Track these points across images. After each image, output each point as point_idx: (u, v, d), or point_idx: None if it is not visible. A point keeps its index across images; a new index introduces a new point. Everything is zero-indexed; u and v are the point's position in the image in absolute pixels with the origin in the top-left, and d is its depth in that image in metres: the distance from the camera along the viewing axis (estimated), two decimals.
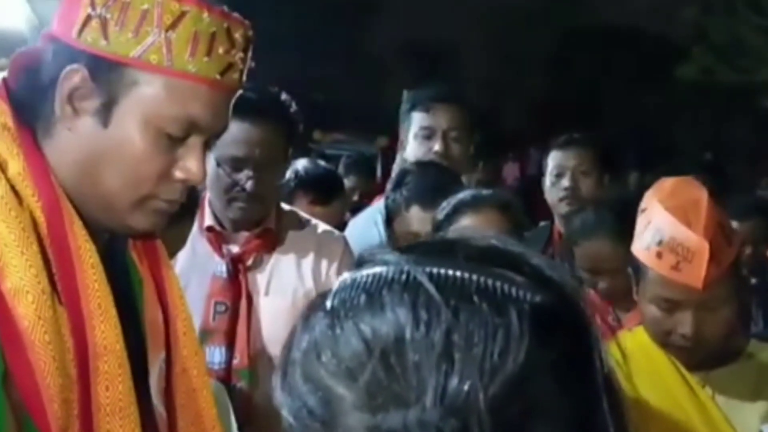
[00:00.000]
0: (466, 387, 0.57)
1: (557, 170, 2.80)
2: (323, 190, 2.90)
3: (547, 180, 2.83)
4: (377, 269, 0.63)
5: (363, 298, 0.62)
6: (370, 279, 0.63)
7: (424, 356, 0.58)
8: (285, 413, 0.63)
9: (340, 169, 4.65)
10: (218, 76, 1.11)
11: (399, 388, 0.58)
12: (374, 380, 0.58)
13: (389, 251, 0.65)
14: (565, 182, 2.77)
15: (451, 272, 0.61)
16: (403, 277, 0.61)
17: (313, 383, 0.61)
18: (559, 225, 2.84)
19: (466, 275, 0.61)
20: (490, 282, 0.61)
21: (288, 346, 0.64)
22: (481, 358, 0.58)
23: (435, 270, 0.61)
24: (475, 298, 0.60)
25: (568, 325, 0.62)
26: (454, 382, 0.57)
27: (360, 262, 0.65)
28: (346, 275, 0.65)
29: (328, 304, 0.63)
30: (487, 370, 0.58)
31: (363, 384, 0.59)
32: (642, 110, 9.49)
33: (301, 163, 2.96)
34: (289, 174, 2.71)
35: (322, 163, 3.29)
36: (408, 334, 0.59)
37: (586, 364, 0.62)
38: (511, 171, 5.57)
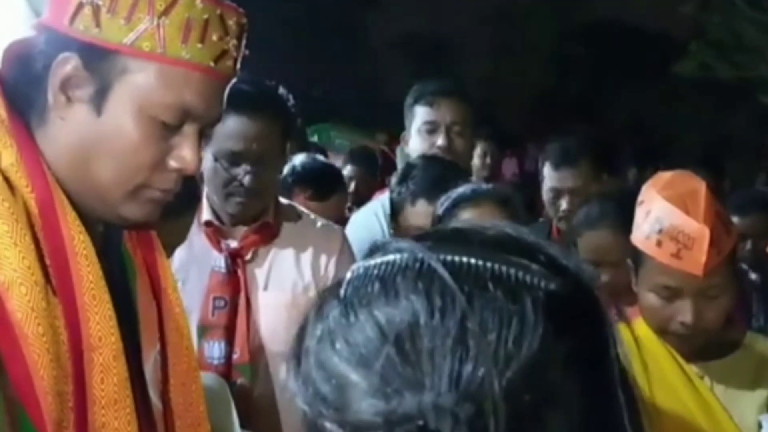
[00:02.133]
0: (480, 373, 0.57)
1: (553, 193, 2.79)
2: (321, 185, 2.89)
3: (544, 194, 2.82)
4: (390, 257, 0.63)
5: (377, 285, 0.62)
6: (383, 267, 0.62)
7: (439, 342, 0.58)
8: (299, 401, 0.63)
9: (343, 160, 4.64)
10: (212, 64, 1.10)
11: (413, 374, 0.58)
12: (389, 366, 0.58)
13: (402, 239, 0.65)
14: (564, 204, 2.75)
15: (465, 259, 0.61)
16: (417, 264, 0.61)
17: (327, 371, 0.61)
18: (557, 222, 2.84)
19: (481, 262, 0.61)
20: (504, 269, 0.61)
21: (300, 336, 0.64)
22: (496, 345, 0.58)
23: (449, 257, 0.61)
24: (490, 285, 0.60)
25: (583, 314, 0.62)
26: (468, 368, 0.57)
27: (372, 251, 0.65)
28: (360, 264, 0.65)
29: (342, 292, 0.63)
30: (501, 357, 0.58)
31: (377, 370, 0.59)
32: (640, 106, 9.50)
33: (299, 158, 2.95)
34: (286, 169, 2.70)
35: (320, 157, 3.28)
36: (422, 321, 0.59)
37: (601, 353, 0.62)
38: (509, 166, 5.57)
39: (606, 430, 0.61)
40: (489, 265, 0.61)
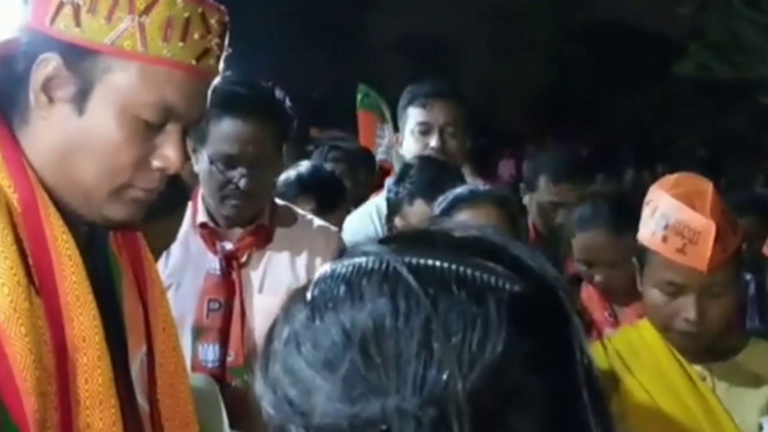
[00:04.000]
0: (444, 376, 0.57)
1: (551, 205, 2.78)
2: (326, 198, 2.81)
3: (535, 204, 2.82)
4: (357, 260, 0.63)
5: (342, 288, 0.62)
6: (349, 269, 0.63)
7: (403, 346, 0.58)
8: (265, 405, 0.63)
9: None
10: (194, 62, 1.10)
11: (378, 378, 0.58)
12: (353, 370, 0.59)
13: (370, 242, 0.65)
14: (559, 218, 2.74)
15: (430, 262, 0.61)
16: (383, 267, 0.61)
17: (293, 375, 0.61)
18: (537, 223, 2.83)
19: (445, 265, 0.61)
20: (469, 272, 0.61)
21: (269, 338, 0.64)
22: (460, 348, 0.58)
23: (414, 260, 0.61)
24: (454, 288, 0.60)
25: (547, 315, 0.62)
26: (433, 371, 0.57)
27: (341, 254, 0.65)
28: (326, 266, 0.65)
29: (308, 295, 0.63)
30: (465, 360, 0.58)
31: (342, 374, 0.59)
32: (639, 107, 9.49)
33: (304, 167, 2.88)
34: (291, 177, 2.68)
35: (325, 166, 3.22)
36: (387, 324, 0.59)
37: (565, 354, 0.62)
38: (507, 167, 5.57)
39: (571, 431, 0.61)
40: (454, 267, 0.61)
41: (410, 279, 0.60)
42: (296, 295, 0.64)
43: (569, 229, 2.38)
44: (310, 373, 0.60)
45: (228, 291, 1.97)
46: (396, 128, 2.84)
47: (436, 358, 0.57)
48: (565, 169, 2.83)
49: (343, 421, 0.58)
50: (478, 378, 0.57)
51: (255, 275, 2.00)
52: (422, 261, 0.61)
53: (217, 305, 1.96)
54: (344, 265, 0.63)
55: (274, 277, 2.01)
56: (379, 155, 4.21)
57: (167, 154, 1.12)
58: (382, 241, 0.65)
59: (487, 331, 0.58)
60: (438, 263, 0.61)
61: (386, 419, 0.57)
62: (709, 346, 1.66)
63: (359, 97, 4.25)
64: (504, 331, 0.58)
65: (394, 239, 0.65)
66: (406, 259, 0.61)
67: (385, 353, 0.58)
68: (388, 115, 4.02)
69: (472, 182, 2.63)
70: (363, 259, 0.63)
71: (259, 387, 0.63)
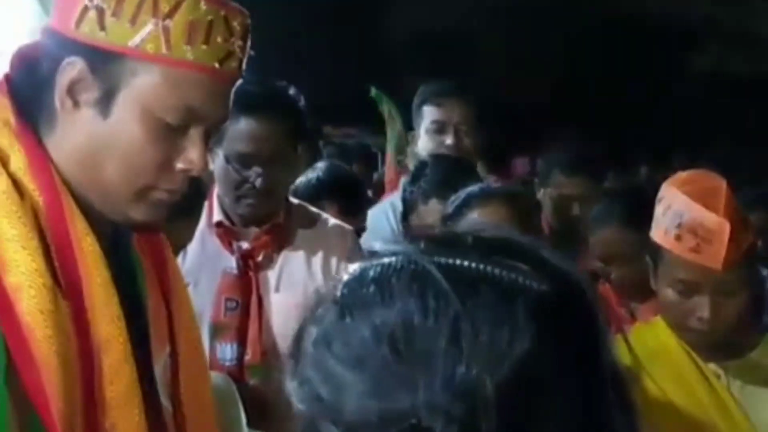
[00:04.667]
0: (473, 373, 0.58)
1: (564, 200, 2.81)
2: (350, 201, 2.73)
3: (549, 199, 2.84)
4: (386, 259, 0.64)
5: (372, 287, 0.63)
6: (379, 269, 0.64)
7: (433, 343, 0.59)
8: (295, 401, 0.64)
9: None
10: (217, 65, 1.11)
11: (408, 374, 0.59)
12: (383, 367, 0.60)
13: (398, 242, 0.66)
14: (575, 210, 2.76)
15: (458, 262, 0.63)
16: (412, 266, 0.63)
17: (324, 372, 0.62)
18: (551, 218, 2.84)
19: (474, 265, 0.62)
20: (497, 271, 0.62)
21: (298, 337, 0.65)
22: (489, 345, 0.59)
23: (443, 260, 0.63)
24: (483, 287, 0.61)
25: (573, 314, 0.63)
26: (462, 367, 0.59)
27: (369, 254, 0.67)
28: (356, 266, 0.66)
29: (338, 294, 0.64)
30: (494, 357, 0.59)
31: (372, 371, 0.60)
32: (652, 102, 9.45)
33: (323, 168, 2.82)
34: (310, 179, 2.67)
35: (344, 167, 3.19)
36: (417, 322, 0.60)
37: (591, 351, 0.63)
38: (521, 164, 5.55)
39: (596, 429, 0.62)
40: (482, 267, 0.62)
41: (440, 278, 0.61)
42: (326, 295, 0.65)
43: (585, 226, 2.39)
44: (341, 370, 0.61)
45: (245, 290, 1.98)
46: (410, 127, 2.85)
47: (465, 355, 0.59)
48: (579, 162, 2.85)
49: (373, 416, 0.59)
50: (506, 374, 0.58)
51: (271, 274, 2.01)
52: (451, 261, 0.63)
53: (234, 304, 1.97)
54: (373, 265, 0.64)
55: (291, 276, 2.01)
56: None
57: (190, 156, 1.13)
58: (410, 241, 0.66)
59: (514, 329, 0.59)
60: (466, 263, 0.62)
61: (416, 413, 0.58)
62: (723, 344, 1.66)
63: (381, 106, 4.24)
64: (531, 329, 0.60)
65: (422, 239, 0.67)
66: (435, 259, 0.63)
67: (414, 350, 0.59)
68: (397, 123, 4.00)
69: (486, 179, 2.63)
70: (392, 259, 0.64)
71: (289, 384, 0.64)
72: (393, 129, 3.95)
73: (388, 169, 3.83)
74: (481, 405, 0.58)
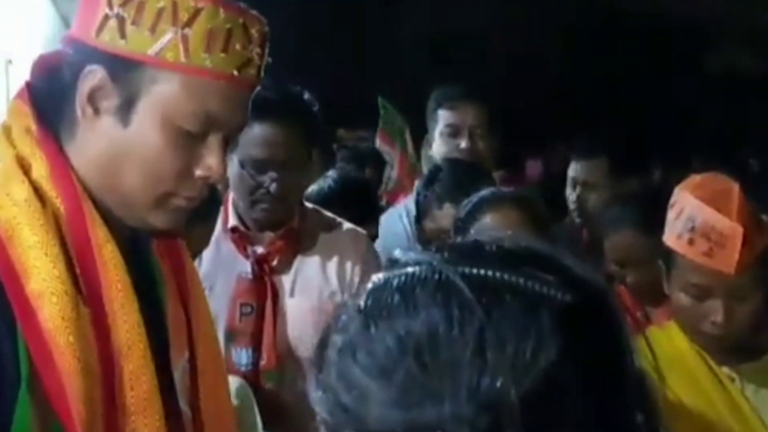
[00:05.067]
0: (498, 383, 0.58)
1: (571, 181, 2.97)
2: (361, 209, 2.78)
3: (567, 187, 3.00)
4: (410, 269, 0.64)
5: (396, 297, 0.63)
6: (403, 279, 0.64)
7: (458, 354, 0.59)
8: (319, 410, 0.64)
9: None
10: (235, 72, 1.12)
11: (433, 385, 0.59)
12: (408, 377, 0.60)
13: (421, 252, 0.66)
14: (574, 195, 2.93)
15: (483, 272, 0.63)
16: (436, 276, 0.63)
17: (348, 381, 0.62)
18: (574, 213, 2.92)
19: (498, 275, 0.63)
20: (521, 281, 0.62)
21: (322, 346, 0.65)
22: (514, 356, 0.59)
23: (467, 269, 0.63)
24: (507, 297, 0.61)
25: (598, 324, 0.63)
26: (487, 378, 0.59)
27: (392, 263, 0.66)
28: (380, 275, 0.66)
29: (362, 303, 0.65)
30: (519, 368, 0.59)
31: (397, 381, 0.60)
32: (666, 103, 9.41)
33: (334, 176, 2.84)
34: (323, 188, 2.68)
35: (355, 175, 3.20)
36: (441, 332, 0.60)
37: (616, 361, 0.63)
38: (534, 167, 5.54)
39: None
40: (506, 277, 0.62)
41: (464, 288, 0.61)
42: (350, 304, 0.66)
43: (602, 231, 2.39)
44: (366, 379, 0.61)
45: (260, 294, 1.98)
46: (424, 131, 2.86)
47: (490, 366, 0.59)
48: (584, 147, 2.99)
49: (398, 426, 0.60)
50: (531, 385, 0.58)
51: (286, 279, 2.02)
52: (474, 270, 0.63)
53: (249, 309, 1.98)
54: (397, 275, 0.64)
55: (305, 280, 2.02)
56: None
57: (209, 162, 1.14)
58: (434, 250, 0.66)
59: (539, 340, 0.60)
60: (490, 273, 0.62)
61: (441, 425, 0.58)
62: (737, 347, 1.66)
63: (381, 113, 4.25)
64: (556, 339, 0.60)
65: (445, 248, 0.67)
66: (459, 269, 0.63)
67: (439, 361, 0.59)
68: (404, 134, 4.00)
69: (499, 183, 2.64)
70: (416, 269, 0.64)
71: (313, 393, 0.65)
72: (401, 134, 3.96)
73: (400, 167, 3.83)
74: (506, 416, 0.58)
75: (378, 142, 4.22)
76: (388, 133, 4.09)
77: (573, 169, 2.97)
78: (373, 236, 2.46)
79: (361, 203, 2.74)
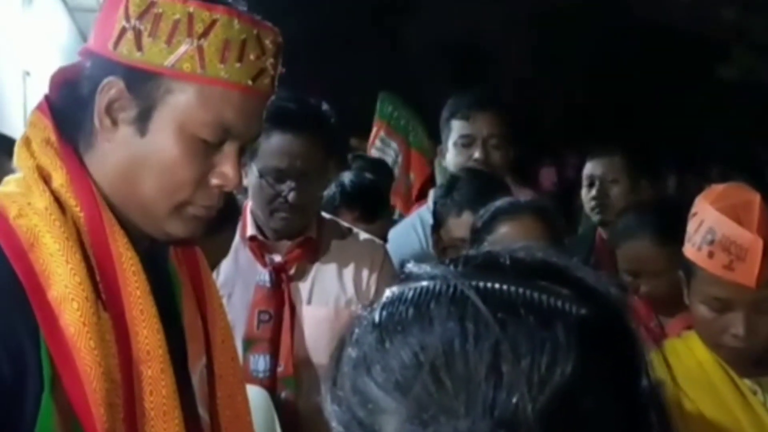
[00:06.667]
0: (514, 399, 0.58)
1: (587, 180, 2.94)
2: (369, 207, 2.82)
3: (583, 189, 2.98)
4: (424, 283, 0.64)
5: (411, 311, 0.62)
6: (417, 293, 0.63)
7: (473, 369, 0.59)
8: (335, 423, 0.64)
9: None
10: (250, 82, 1.13)
11: (449, 401, 0.59)
12: (424, 393, 0.59)
13: (435, 265, 0.66)
14: (593, 192, 2.88)
15: (497, 285, 0.62)
16: (450, 290, 0.62)
17: (363, 396, 0.62)
18: (600, 229, 2.87)
19: (513, 288, 0.62)
20: (536, 295, 0.62)
21: (336, 359, 0.65)
22: (529, 371, 0.59)
23: (482, 283, 0.62)
24: (522, 311, 0.61)
25: (613, 337, 0.63)
26: (503, 394, 0.58)
27: (406, 276, 0.66)
28: (394, 289, 0.66)
29: (376, 317, 0.64)
30: (535, 382, 0.58)
31: (413, 397, 0.59)
32: (681, 112, 9.38)
33: (347, 176, 2.89)
34: (334, 186, 2.71)
35: (368, 175, 3.24)
36: (456, 347, 0.59)
37: (632, 376, 0.62)
38: (548, 176, 5.53)
39: None
40: (521, 291, 0.62)
41: (479, 303, 0.60)
42: (362, 318, 0.65)
43: (614, 239, 2.38)
44: (381, 394, 0.61)
45: (277, 302, 2.00)
46: (439, 139, 2.86)
47: (506, 381, 0.58)
48: (602, 148, 2.99)
49: None
50: (547, 400, 0.58)
51: (303, 287, 2.04)
52: (489, 284, 0.62)
53: (267, 317, 2.00)
54: (411, 288, 0.64)
55: (322, 289, 2.04)
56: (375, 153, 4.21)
57: (225, 171, 1.15)
58: (448, 264, 0.66)
59: (555, 354, 0.59)
60: (505, 287, 0.62)
61: None
62: (759, 359, 1.64)
63: (378, 106, 4.26)
64: (572, 354, 0.59)
65: (459, 262, 0.66)
66: (473, 283, 0.62)
67: (455, 376, 0.59)
68: (413, 128, 4.00)
69: (515, 192, 2.64)
70: (430, 283, 0.63)
71: (328, 406, 0.64)
72: (415, 130, 3.97)
73: (416, 162, 3.83)
74: (522, 431, 0.57)
75: (382, 135, 4.22)
76: (393, 127, 4.09)
77: (589, 168, 2.95)
78: (382, 238, 2.48)
79: (368, 202, 2.76)
